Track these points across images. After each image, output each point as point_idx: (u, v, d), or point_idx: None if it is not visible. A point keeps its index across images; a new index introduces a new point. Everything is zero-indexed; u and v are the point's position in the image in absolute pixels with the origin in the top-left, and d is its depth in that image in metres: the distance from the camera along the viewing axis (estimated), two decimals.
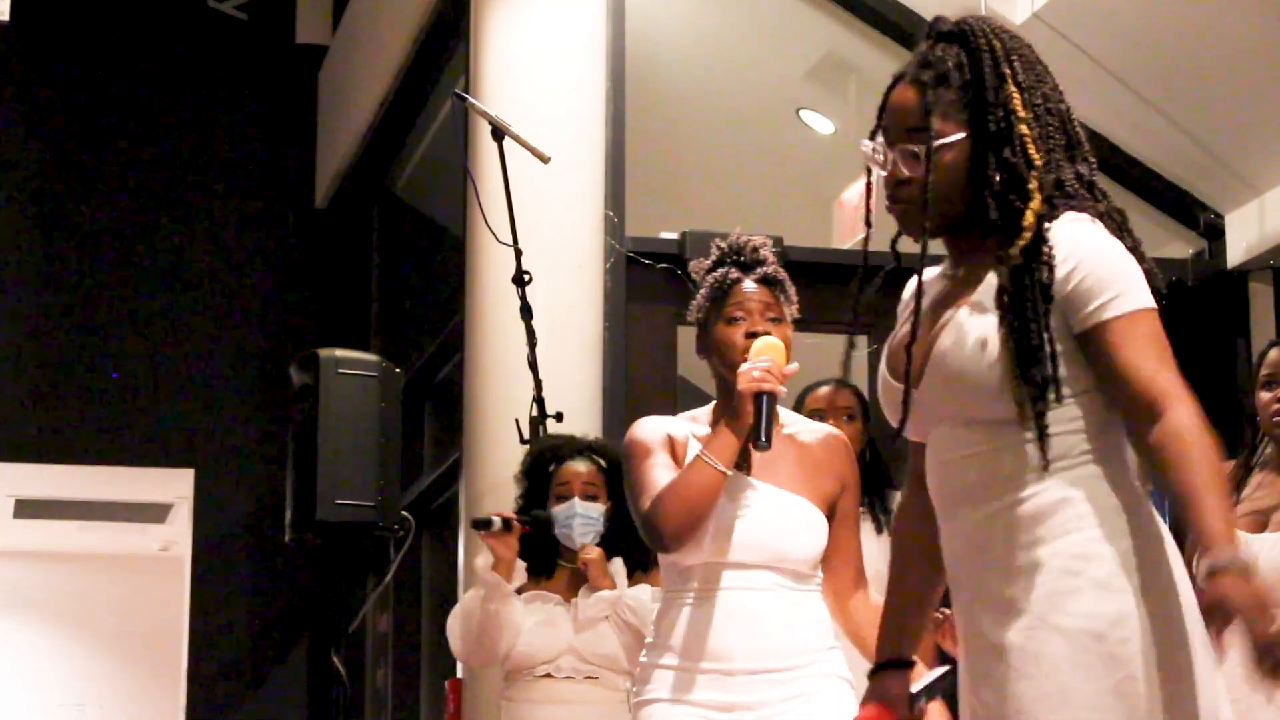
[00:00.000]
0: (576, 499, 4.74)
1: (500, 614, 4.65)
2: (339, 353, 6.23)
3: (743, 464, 3.62)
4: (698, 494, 3.54)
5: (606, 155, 6.18)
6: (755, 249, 3.72)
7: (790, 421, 3.71)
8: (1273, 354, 4.62)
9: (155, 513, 10.30)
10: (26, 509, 10.35)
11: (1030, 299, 2.51)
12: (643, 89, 6.47)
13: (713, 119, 7.14)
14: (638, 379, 6.19)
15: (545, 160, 5.19)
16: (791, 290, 3.71)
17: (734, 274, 3.69)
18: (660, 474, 3.61)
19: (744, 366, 3.57)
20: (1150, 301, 2.52)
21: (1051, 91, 2.63)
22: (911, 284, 2.72)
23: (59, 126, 9.38)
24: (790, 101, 7.09)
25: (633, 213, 6.24)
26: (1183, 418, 2.42)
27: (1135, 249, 2.58)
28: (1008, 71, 2.60)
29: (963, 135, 2.59)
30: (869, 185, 2.71)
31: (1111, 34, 6.22)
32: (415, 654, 8.22)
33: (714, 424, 3.64)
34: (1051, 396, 2.49)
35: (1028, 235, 2.54)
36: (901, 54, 5.64)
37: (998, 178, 2.57)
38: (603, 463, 4.78)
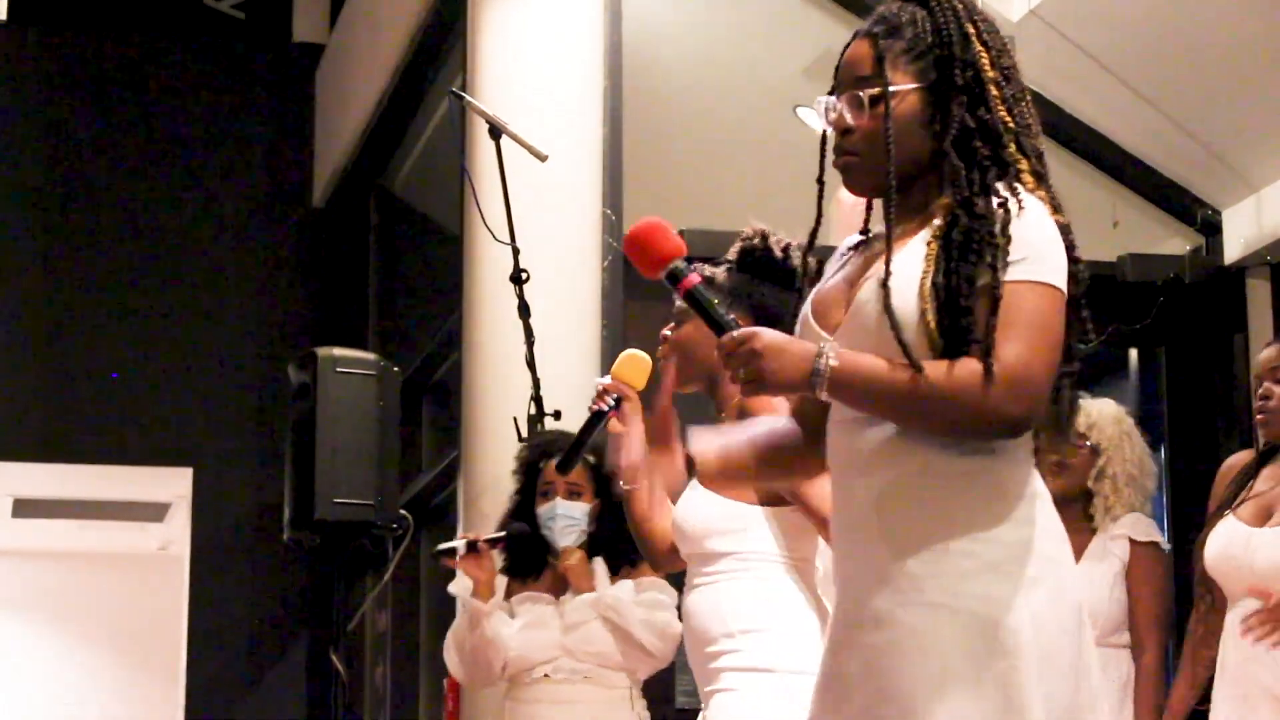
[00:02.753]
0: (559, 499, 4.72)
1: (488, 637, 4.65)
2: (337, 351, 6.24)
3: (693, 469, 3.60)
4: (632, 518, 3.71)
5: (604, 153, 6.18)
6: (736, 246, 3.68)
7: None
8: (1269, 351, 4.64)
9: (154, 511, 10.29)
10: (25, 508, 10.34)
11: (976, 247, 2.41)
12: (640, 87, 6.46)
13: (710, 117, 7.13)
14: None
15: (543, 158, 5.18)
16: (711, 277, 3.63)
17: None
18: None
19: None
20: (1055, 280, 2.42)
21: (1015, 65, 2.55)
22: (850, 240, 2.67)
23: (56, 126, 9.38)
24: (787, 99, 7.07)
25: (630, 210, 6.23)
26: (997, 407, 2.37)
27: (1067, 237, 2.50)
28: (972, 30, 2.52)
29: (913, 86, 2.51)
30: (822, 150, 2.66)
31: (1109, 30, 6.22)
32: (414, 652, 8.21)
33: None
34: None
35: (1018, 200, 2.44)
36: None
37: (970, 135, 2.48)
38: (591, 459, 4.69)
